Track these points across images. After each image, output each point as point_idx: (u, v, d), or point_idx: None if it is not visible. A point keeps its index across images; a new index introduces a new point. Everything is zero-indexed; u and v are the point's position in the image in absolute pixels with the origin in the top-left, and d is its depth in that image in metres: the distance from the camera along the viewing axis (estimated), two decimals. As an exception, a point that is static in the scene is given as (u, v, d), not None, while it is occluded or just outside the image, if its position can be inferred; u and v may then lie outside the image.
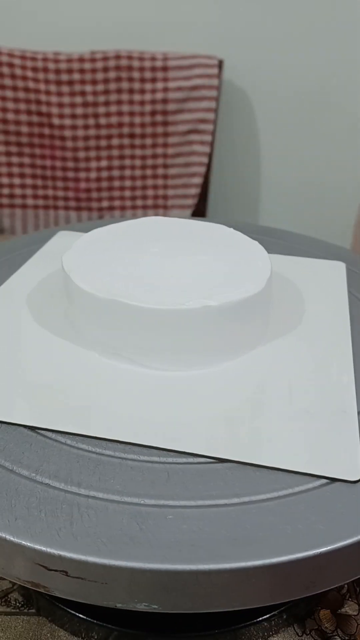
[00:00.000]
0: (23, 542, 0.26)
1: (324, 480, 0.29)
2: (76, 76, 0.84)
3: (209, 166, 0.92)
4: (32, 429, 0.32)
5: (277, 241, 0.55)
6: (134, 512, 0.27)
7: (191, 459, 0.30)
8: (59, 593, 0.26)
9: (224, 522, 0.27)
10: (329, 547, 0.26)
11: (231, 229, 0.46)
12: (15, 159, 0.89)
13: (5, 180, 0.90)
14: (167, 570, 0.24)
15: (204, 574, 0.25)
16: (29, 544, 0.25)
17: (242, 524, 0.27)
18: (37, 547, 0.25)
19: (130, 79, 0.85)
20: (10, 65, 0.84)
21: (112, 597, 0.26)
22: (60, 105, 0.85)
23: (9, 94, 0.85)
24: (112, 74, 0.84)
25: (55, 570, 0.26)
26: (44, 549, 0.25)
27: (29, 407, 0.33)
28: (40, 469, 0.29)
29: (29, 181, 0.91)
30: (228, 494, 0.28)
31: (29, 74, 0.84)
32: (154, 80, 0.85)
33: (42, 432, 0.32)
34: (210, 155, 0.91)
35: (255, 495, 0.28)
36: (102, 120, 0.87)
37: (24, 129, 0.87)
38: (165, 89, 0.85)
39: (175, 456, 0.30)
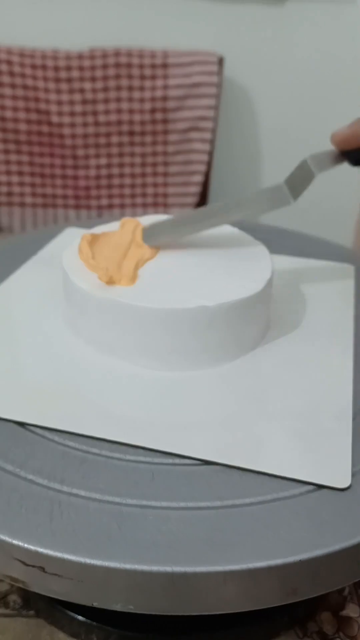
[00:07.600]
0: (1, 537, 0.26)
1: (311, 487, 0.28)
2: (75, 74, 0.84)
3: (209, 164, 0.92)
4: (21, 424, 0.32)
5: (284, 242, 0.53)
6: (114, 512, 0.27)
7: (177, 461, 0.30)
8: (37, 589, 0.26)
9: (204, 524, 0.26)
10: (310, 555, 0.25)
11: (234, 228, 0.45)
12: (13, 157, 0.89)
13: (3, 178, 0.90)
14: (142, 571, 0.24)
15: (179, 576, 0.24)
16: (7, 539, 0.26)
17: (222, 527, 0.26)
18: (15, 542, 0.25)
19: (130, 77, 0.84)
20: (9, 62, 0.83)
21: (88, 595, 0.26)
22: (59, 102, 0.85)
23: (7, 91, 0.85)
24: (111, 72, 0.84)
25: (33, 566, 0.26)
26: (21, 544, 0.25)
27: (18, 402, 0.33)
28: (25, 465, 0.29)
29: (27, 179, 0.91)
30: (211, 496, 0.28)
31: (28, 71, 0.84)
32: (153, 77, 0.85)
33: (31, 427, 0.32)
34: (210, 153, 0.90)
35: (239, 499, 0.28)
36: (102, 118, 0.86)
37: (23, 126, 0.87)
38: (165, 87, 0.85)
39: (161, 457, 0.30)
